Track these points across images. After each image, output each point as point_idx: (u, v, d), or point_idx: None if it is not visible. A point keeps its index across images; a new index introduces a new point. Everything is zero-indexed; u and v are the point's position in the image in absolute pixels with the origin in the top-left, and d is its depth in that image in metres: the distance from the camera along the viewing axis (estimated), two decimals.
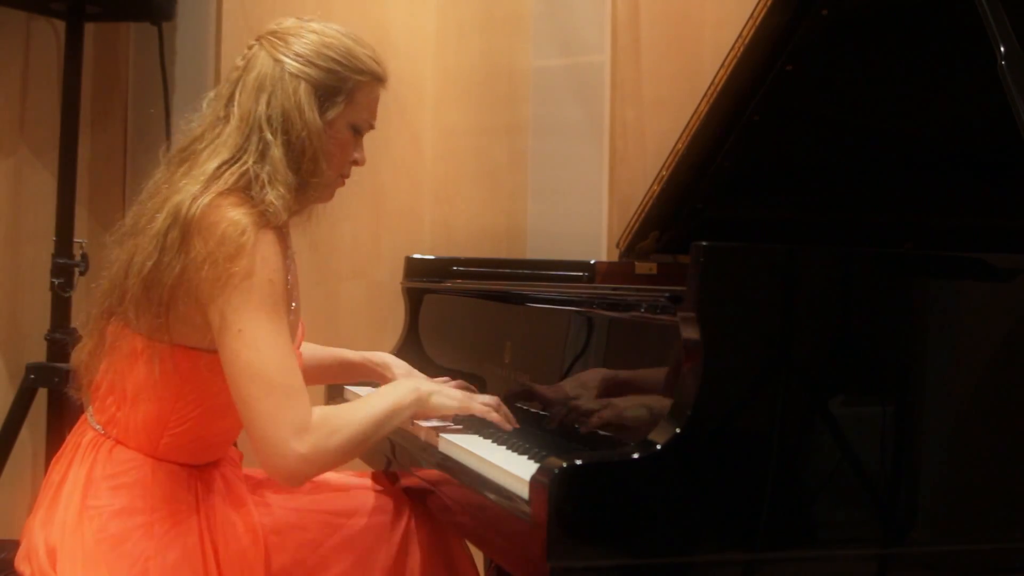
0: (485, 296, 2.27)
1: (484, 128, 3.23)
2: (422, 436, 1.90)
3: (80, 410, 1.83)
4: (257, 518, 1.76)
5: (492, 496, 1.54)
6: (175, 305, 1.62)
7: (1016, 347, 1.55)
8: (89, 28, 3.08)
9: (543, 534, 1.33)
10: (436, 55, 3.25)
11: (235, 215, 1.60)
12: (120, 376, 1.72)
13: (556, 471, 1.33)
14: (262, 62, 1.71)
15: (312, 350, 2.10)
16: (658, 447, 1.37)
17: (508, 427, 1.82)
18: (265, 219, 1.62)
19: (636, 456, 1.37)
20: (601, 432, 1.67)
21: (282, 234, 1.68)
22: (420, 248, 2.91)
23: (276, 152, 1.66)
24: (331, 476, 1.90)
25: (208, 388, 1.68)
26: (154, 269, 1.62)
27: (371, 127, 1.80)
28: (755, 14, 2.05)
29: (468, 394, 1.84)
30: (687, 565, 1.39)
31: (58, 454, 1.79)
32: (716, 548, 1.40)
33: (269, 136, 1.67)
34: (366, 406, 1.69)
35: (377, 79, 1.76)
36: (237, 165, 1.65)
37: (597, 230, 3.09)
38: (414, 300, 2.54)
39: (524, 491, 1.42)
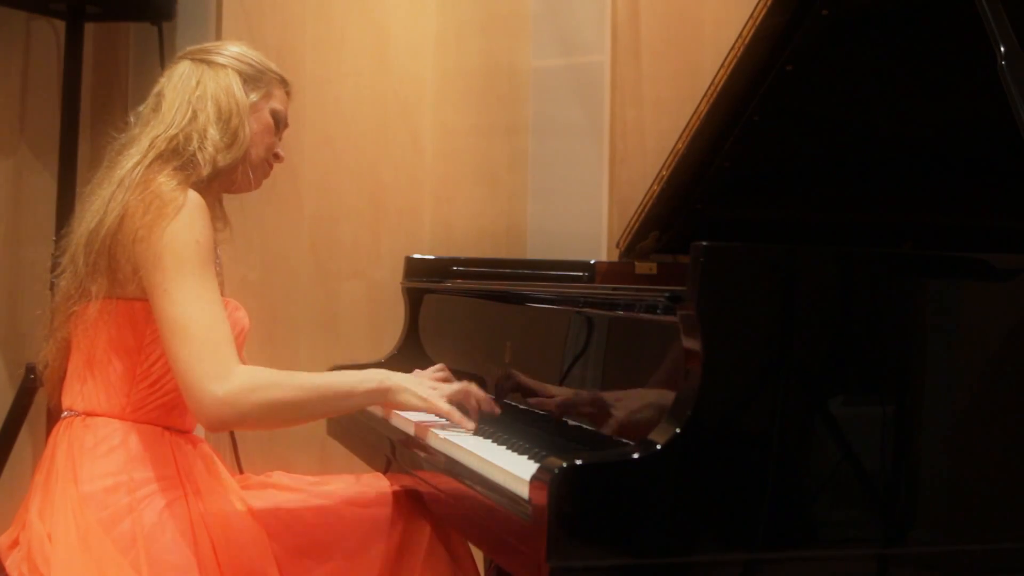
0: (485, 296, 2.27)
1: (484, 128, 3.23)
2: (421, 436, 1.90)
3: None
4: (248, 501, 1.80)
5: (492, 496, 1.53)
6: (117, 256, 1.73)
7: (1016, 347, 1.55)
8: (89, 28, 3.09)
9: (543, 534, 1.33)
10: (436, 55, 3.25)
11: (164, 178, 1.76)
12: (82, 352, 1.78)
13: (556, 471, 1.33)
14: (186, 65, 1.89)
15: None
16: (658, 447, 1.37)
17: (468, 428, 1.83)
18: (189, 178, 1.77)
19: (636, 456, 1.37)
20: (601, 432, 1.67)
21: (209, 201, 1.80)
22: (420, 248, 2.91)
23: (204, 118, 1.82)
24: (332, 476, 1.93)
25: None
26: (98, 226, 1.75)
27: (286, 124, 1.97)
28: (755, 14, 2.05)
29: (437, 393, 1.85)
30: (687, 565, 1.39)
31: (40, 460, 1.83)
32: (716, 548, 1.40)
33: (199, 107, 1.83)
34: (314, 377, 1.77)
35: (284, 80, 1.96)
36: (170, 131, 1.81)
37: (597, 230, 3.08)
38: (414, 300, 2.54)
39: (524, 491, 1.42)
